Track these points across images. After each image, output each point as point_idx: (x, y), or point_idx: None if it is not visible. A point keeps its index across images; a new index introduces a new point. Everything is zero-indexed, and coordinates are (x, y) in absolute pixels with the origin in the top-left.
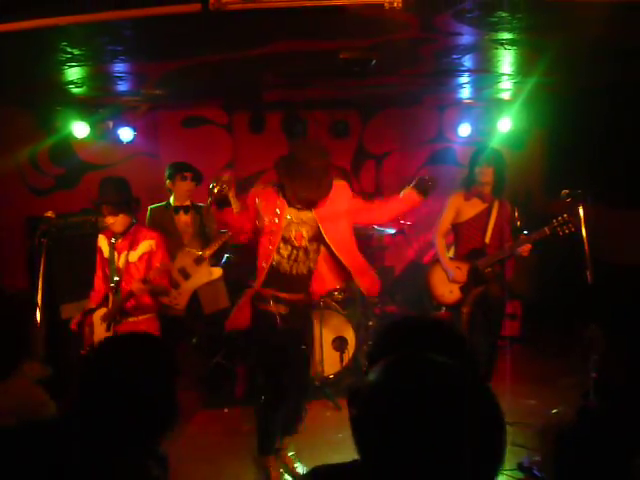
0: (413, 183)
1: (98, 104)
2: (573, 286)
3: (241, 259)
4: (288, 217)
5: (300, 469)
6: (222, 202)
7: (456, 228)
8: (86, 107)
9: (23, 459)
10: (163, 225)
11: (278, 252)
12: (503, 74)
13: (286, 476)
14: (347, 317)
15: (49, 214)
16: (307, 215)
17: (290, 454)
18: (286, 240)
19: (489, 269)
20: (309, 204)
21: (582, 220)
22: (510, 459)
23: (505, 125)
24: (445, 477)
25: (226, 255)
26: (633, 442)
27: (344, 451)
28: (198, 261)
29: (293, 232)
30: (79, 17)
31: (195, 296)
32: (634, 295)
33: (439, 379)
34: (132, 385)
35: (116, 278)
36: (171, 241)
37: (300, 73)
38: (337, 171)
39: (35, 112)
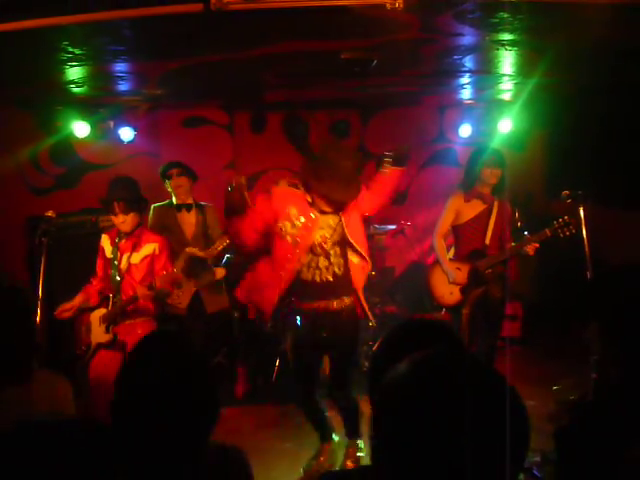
0: (387, 157)
1: (99, 104)
2: (573, 287)
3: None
4: (312, 220)
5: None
6: (237, 208)
7: (456, 229)
8: (87, 107)
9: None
10: (166, 223)
11: (298, 260)
12: (504, 75)
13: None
14: None
15: (49, 214)
16: (333, 219)
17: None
18: (310, 248)
19: (489, 270)
20: (338, 206)
21: (582, 221)
22: None
23: (506, 126)
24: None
25: (227, 255)
26: (628, 438)
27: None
28: (201, 261)
29: (318, 238)
30: (80, 17)
31: (197, 295)
32: (634, 296)
33: (474, 376)
34: (174, 386)
35: (117, 279)
36: (174, 239)
37: (301, 73)
38: None
39: (36, 112)
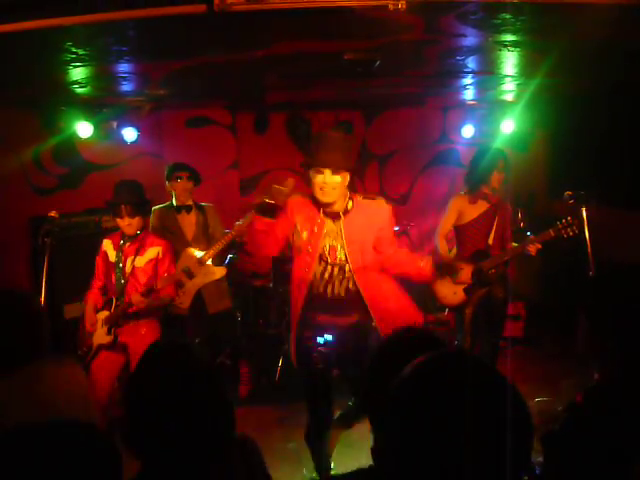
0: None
1: (102, 104)
2: (576, 287)
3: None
4: (324, 230)
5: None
6: (271, 210)
7: (458, 230)
8: (90, 107)
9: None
10: (167, 225)
11: (313, 270)
12: (506, 76)
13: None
14: None
15: (53, 214)
16: (337, 224)
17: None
18: (319, 256)
19: (493, 270)
20: (327, 165)
21: (585, 221)
22: None
23: (508, 126)
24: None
25: (229, 255)
26: (627, 444)
27: (357, 449)
28: (202, 261)
29: (327, 246)
30: (84, 17)
31: (199, 295)
32: (635, 296)
33: (478, 377)
34: (185, 394)
35: (122, 282)
36: (175, 241)
37: (304, 74)
38: (385, 197)
39: (39, 112)
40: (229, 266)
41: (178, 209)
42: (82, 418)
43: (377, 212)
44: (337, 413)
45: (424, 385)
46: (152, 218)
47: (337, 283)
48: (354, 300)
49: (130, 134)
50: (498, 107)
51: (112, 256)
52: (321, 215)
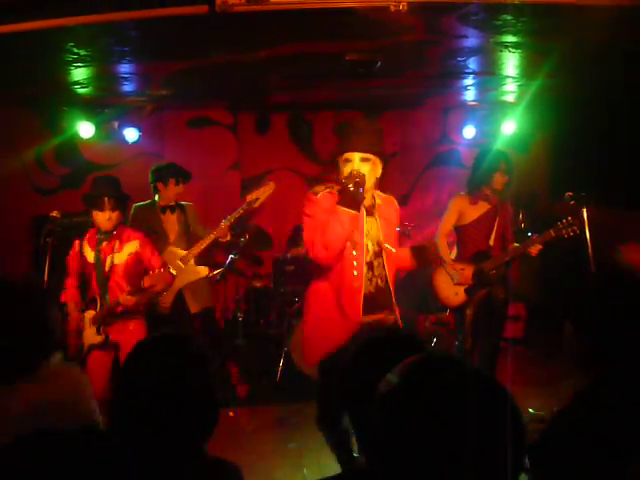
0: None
1: (104, 104)
2: (576, 288)
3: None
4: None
5: None
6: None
7: (459, 230)
8: (92, 107)
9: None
10: (149, 224)
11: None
12: (507, 77)
13: None
14: None
15: (54, 214)
16: (372, 224)
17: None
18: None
19: (494, 271)
20: (355, 149)
21: (585, 222)
22: None
23: (509, 127)
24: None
25: (231, 256)
26: (602, 450)
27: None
28: (184, 260)
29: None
30: (86, 18)
31: (179, 295)
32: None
33: (465, 378)
34: (171, 388)
35: (103, 281)
36: (158, 240)
37: (305, 74)
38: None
39: (41, 112)
40: (229, 266)
41: (163, 209)
42: (89, 421)
43: (395, 209)
44: None
45: (413, 388)
46: (131, 215)
47: (366, 281)
48: (382, 297)
49: (131, 134)
50: (499, 108)
51: (90, 257)
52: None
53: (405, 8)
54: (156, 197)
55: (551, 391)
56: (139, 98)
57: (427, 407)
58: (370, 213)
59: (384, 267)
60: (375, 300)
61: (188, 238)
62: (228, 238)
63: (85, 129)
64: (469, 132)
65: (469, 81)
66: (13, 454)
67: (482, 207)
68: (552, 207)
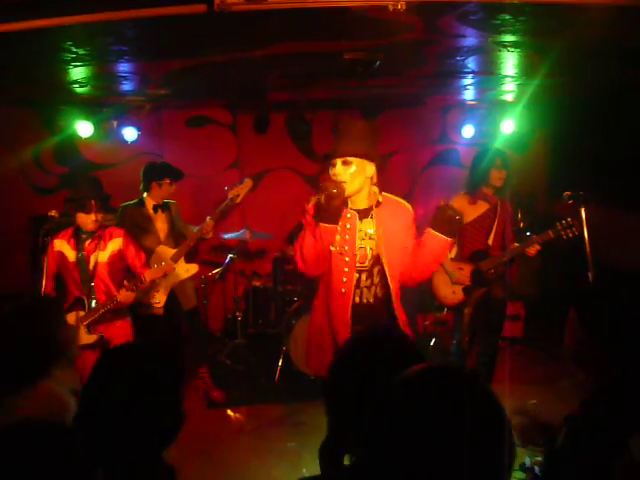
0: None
1: (102, 103)
2: (575, 288)
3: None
4: (351, 221)
5: None
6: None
7: (458, 230)
8: (90, 106)
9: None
10: (137, 223)
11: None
12: (506, 76)
13: None
14: None
15: (53, 213)
16: (369, 227)
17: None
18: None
19: (492, 270)
20: (334, 155)
21: (584, 222)
22: None
23: (508, 127)
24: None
25: (230, 255)
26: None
27: None
28: (175, 258)
29: (357, 249)
30: (84, 17)
31: (172, 294)
32: (634, 298)
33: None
34: (137, 394)
35: (89, 280)
36: (148, 239)
37: (304, 74)
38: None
39: (39, 111)
40: (229, 266)
41: (155, 209)
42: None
43: (404, 212)
44: None
45: (413, 400)
46: (118, 214)
47: (365, 290)
48: (380, 307)
49: (130, 133)
50: (498, 107)
51: (72, 257)
52: (351, 212)
53: (403, 7)
54: (144, 195)
55: (550, 390)
56: (138, 97)
57: (427, 418)
58: (365, 215)
59: (385, 275)
60: (373, 310)
61: (175, 236)
62: (211, 235)
63: (84, 128)
64: (468, 131)
65: (468, 80)
66: None
67: (481, 207)
68: (551, 206)
